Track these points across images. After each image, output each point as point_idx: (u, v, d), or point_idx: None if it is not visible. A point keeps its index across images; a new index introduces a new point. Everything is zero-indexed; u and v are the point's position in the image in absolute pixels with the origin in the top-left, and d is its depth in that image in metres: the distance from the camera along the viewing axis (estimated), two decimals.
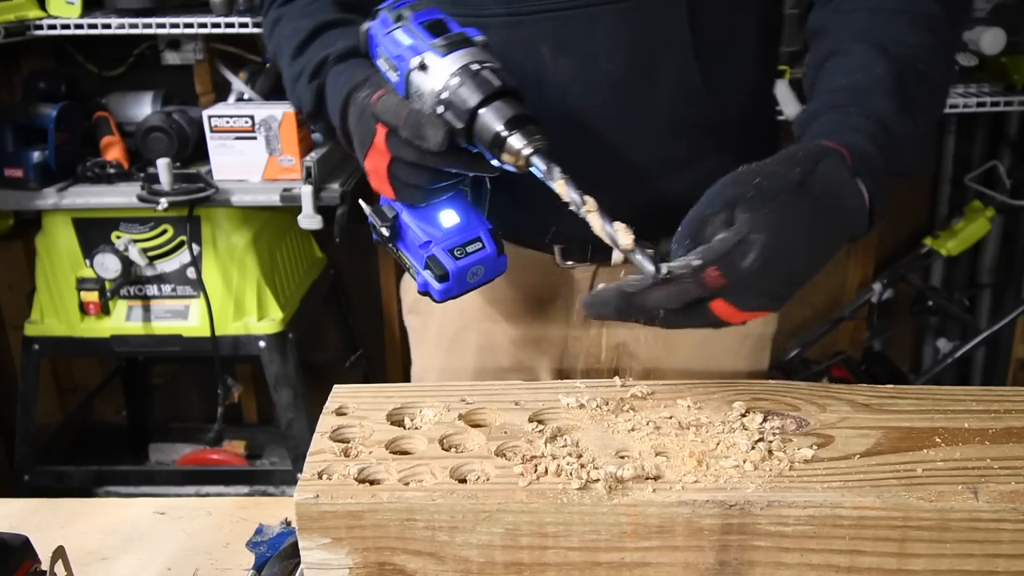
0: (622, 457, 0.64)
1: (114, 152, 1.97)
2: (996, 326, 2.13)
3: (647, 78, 0.79)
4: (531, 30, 0.78)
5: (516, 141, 0.65)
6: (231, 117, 1.85)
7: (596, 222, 0.63)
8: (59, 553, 0.70)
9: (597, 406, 0.70)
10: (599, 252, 0.89)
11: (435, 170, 0.71)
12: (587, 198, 0.63)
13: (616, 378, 0.75)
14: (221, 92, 2.23)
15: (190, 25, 1.93)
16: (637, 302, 0.62)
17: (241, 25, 1.92)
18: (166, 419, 2.54)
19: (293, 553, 0.73)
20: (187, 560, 0.82)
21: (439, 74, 0.67)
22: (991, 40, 1.90)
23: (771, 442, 0.65)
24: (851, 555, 0.60)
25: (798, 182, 0.62)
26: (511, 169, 0.67)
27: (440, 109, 0.67)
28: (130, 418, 2.46)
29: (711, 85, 0.79)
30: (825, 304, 2.55)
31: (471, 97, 0.66)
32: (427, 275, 0.75)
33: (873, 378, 2.36)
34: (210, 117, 1.85)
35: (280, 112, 1.84)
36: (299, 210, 1.83)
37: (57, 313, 1.98)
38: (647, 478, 0.61)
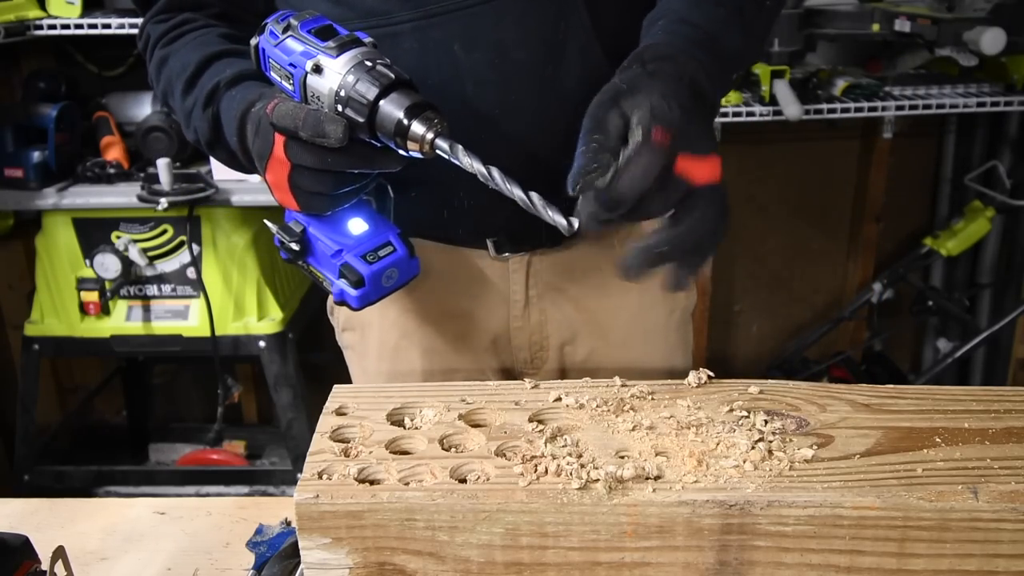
0: (622, 457, 0.64)
1: (114, 152, 1.97)
2: (996, 326, 2.13)
3: (556, 61, 0.83)
4: (442, 30, 0.80)
5: (418, 127, 0.67)
6: None
7: (504, 187, 0.67)
8: (59, 553, 0.70)
9: (597, 406, 0.70)
10: (531, 240, 0.91)
11: (337, 174, 0.72)
12: (492, 168, 0.67)
13: (616, 378, 0.76)
14: None
15: None
16: (619, 195, 0.64)
17: None
18: (166, 419, 2.54)
19: (293, 553, 0.73)
20: (187, 560, 0.82)
21: (334, 73, 0.69)
22: (991, 40, 1.90)
23: (771, 442, 0.65)
24: (851, 555, 0.60)
25: (651, 72, 0.69)
26: (417, 156, 0.69)
27: (339, 107, 0.69)
28: (130, 418, 2.46)
29: (612, 60, 0.80)
30: (825, 304, 2.55)
31: (369, 90, 0.68)
32: (342, 284, 0.76)
33: (873, 378, 2.36)
34: None
35: None
36: None
37: (57, 313, 1.98)
38: (647, 478, 0.61)
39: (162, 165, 1.80)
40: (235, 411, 2.51)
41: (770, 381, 0.75)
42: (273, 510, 0.87)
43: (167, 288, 1.97)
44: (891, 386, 0.74)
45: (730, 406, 0.70)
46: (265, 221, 0.83)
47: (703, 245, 0.68)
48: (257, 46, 0.75)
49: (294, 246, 0.78)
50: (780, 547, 0.60)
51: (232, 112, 0.78)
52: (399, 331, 0.98)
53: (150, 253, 1.94)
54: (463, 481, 0.62)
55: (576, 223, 0.65)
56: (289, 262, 0.80)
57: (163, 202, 1.78)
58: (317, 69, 0.70)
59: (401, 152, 0.70)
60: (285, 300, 2.06)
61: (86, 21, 1.94)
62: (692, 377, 0.75)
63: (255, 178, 1.88)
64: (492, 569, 0.61)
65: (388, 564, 0.61)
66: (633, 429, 0.67)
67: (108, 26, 1.94)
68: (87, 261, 1.93)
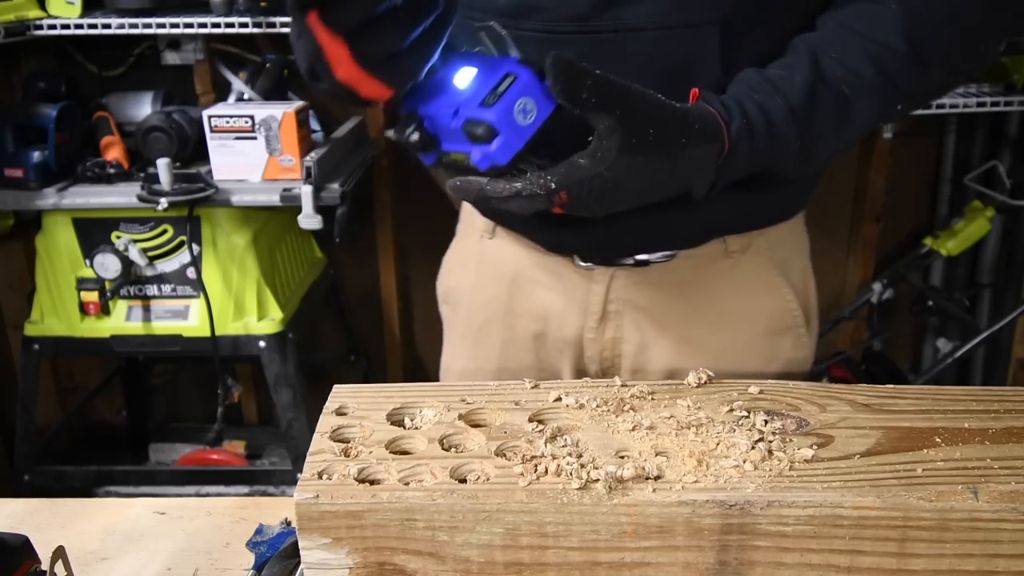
0: (622, 457, 0.64)
1: (114, 152, 1.97)
2: (996, 326, 2.13)
3: (679, 101, 0.78)
4: (567, 49, 0.75)
5: None
6: (231, 117, 1.85)
7: None
8: (59, 553, 0.70)
9: (597, 406, 0.70)
10: (618, 256, 0.89)
11: (385, 16, 0.61)
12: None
13: (616, 378, 0.75)
14: (221, 92, 2.23)
15: (190, 25, 1.93)
16: (494, 204, 0.68)
17: (241, 25, 1.92)
18: (166, 419, 2.54)
19: (293, 553, 0.73)
20: (187, 560, 0.82)
21: None
22: None
23: (771, 442, 0.65)
24: (851, 555, 0.60)
25: (658, 157, 0.68)
26: None
27: None
28: (130, 418, 2.46)
29: None
30: (825, 304, 2.54)
31: None
32: (478, 148, 0.65)
33: (873, 378, 2.36)
34: (210, 117, 1.85)
35: (280, 112, 1.84)
36: (299, 210, 1.83)
37: (57, 313, 1.98)
38: (647, 478, 0.61)
39: (162, 165, 1.80)
40: (235, 411, 2.52)
41: (770, 381, 0.75)
42: (273, 510, 0.87)
43: (167, 288, 1.97)
44: (891, 386, 0.74)
45: (730, 406, 0.70)
46: (386, 133, 0.72)
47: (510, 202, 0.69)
48: None
49: (414, 136, 0.67)
50: (780, 547, 0.60)
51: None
52: (483, 316, 0.98)
53: (150, 253, 1.94)
54: (463, 481, 0.62)
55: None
56: (430, 163, 0.70)
57: (163, 202, 1.78)
58: None
59: None
60: (285, 300, 2.06)
61: (86, 21, 1.94)
62: (692, 377, 0.75)
63: (255, 178, 1.88)
64: (492, 569, 0.61)
65: (388, 564, 0.61)
66: (633, 429, 0.67)
67: (108, 26, 1.94)
68: (87, 261, 1.93)
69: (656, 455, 0.64)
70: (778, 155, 0.74)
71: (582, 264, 0.91)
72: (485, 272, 0.99)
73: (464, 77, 0.66)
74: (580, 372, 0.97)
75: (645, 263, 0.88)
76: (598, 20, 0.76)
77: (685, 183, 0.71)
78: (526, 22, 0.78)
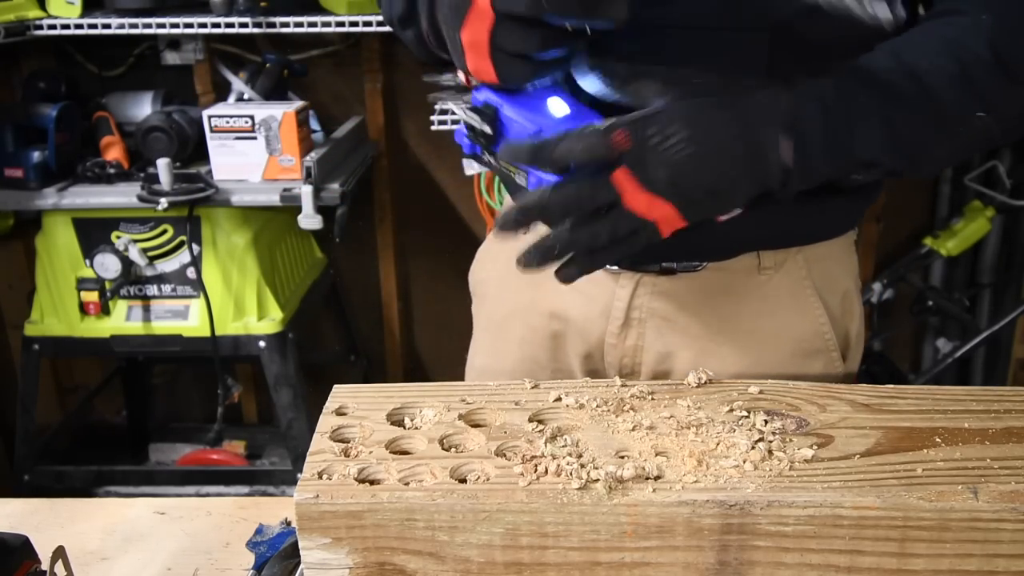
0: (622, 457, 0.64)
1: (114, 152, 1.97)
2: (996, 326, 2.13)
3: None
4: (605, 40, 0.73)
5: None
6: (231, 117, 1.85)
7: None
8: (59, 553, 0.70)
9: (597, 406, 0.70)
10: (645, 262, 0.86)
11: (549, 30, 0.63)
12: None
13: (616, 378, 0.75)
14: (221, 92, 2.23)
15: (190, 25, 1.93)
16: (547, 153, 0.63)
17: (241, 25, 1.92)
18: (166, 419, 2.54)
19: (293, 553, 0.73)
20: (187, 560, 0.82)
21: None
22: None
23: (771, 442, 0.65)
24: (851, 555, 0.60)
25: (720, 101, 0.65)
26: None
27: None
28: (130, 418, 2.46)
29: None
30: None
31: None
32: (536, 173, 0.67)
33: (873, 378, 2.35)
34: (210, 117, 1.85)
35: (280, 112, 1.84)
36: (299, 210, 1.83)
37: (57, 313, 1.98)
38: (647, 478, 0.61)
39: (162, 165, 1.80)
40: (235, 411, 2.52)
41: (770, 381, 0.75)
42: (273, 510, 0.87)
43: (167, 288, 1.97)
44: (891, 386, 0.74)
45: (730, 406, 0.70)
46: (452, 106, 0.76)
47: (598, 256, 0.67)
48: None
49: (487, 129, 0.69)
50: (780, 547, 0.60)
51: None
52: (505, 312, 0.97)
53: (150, 253, 1.94)
54: (463, 481, 0.62)
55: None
56: (473, 157, 0.72)
57: (163, 202, 1.78)
58: None
59: None
60: (285, 300, 2.06)
61: (86, 21, 1.94)
62: (692, 377, 0.75)
63: (255, 178, 1.88)
64: (492, 569, 0.61)
65: (388, 564, 0.61)
66: (633, 429, 0.67)
67: (108, 26, 1.94)
68: (87, 261, 1.93)
69: (656, 455, 0.64)
70: (860, 130, 0.67)
71: (609, 267, 0.87)
72: (512, 268, 0.96)
73: (557, 107, 0.69)
74: (598, 377, 0.94)
75: (671, 271, 0.85)
76: (641, 14, 0.72)
77: (757, 149, 0.65)
78: None
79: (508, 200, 0.67)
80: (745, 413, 0.69)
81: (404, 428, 0.69)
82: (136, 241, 1.92)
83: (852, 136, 0.67)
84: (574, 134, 0.63)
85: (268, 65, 2.12)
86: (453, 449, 0.66)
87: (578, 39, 0.64)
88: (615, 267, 0.87)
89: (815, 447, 0.65)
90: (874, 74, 0.68)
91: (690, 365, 0.87)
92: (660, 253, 0.85)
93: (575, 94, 0.71)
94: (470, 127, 0.71)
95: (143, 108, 2.10)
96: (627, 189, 0.63)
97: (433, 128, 1.95)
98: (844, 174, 0.70)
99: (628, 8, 0.62)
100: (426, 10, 0.73)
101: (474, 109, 0.70)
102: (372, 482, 0.62)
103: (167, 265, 1.96)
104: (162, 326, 1.97)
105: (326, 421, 0.69)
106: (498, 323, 0.99)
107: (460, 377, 1.07)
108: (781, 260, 0.86)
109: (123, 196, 1.86)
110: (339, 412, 0.71)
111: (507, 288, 0.97)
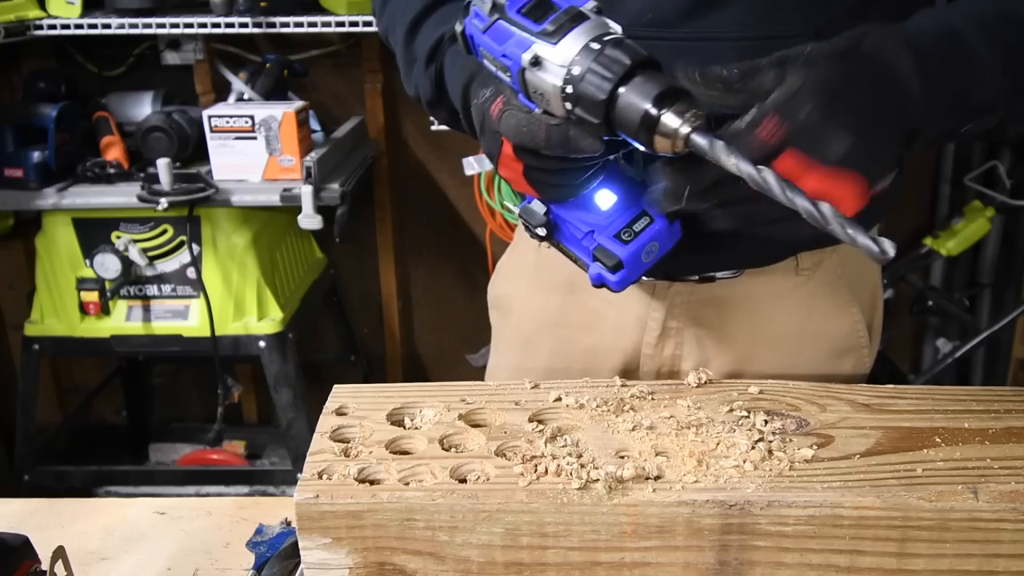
0: (622, 457, 0.64)
1: (114, 152, 1.97)
2: (996, 326, 2.13)
3: None
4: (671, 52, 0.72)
5: (671, 120, 0.55)
6: (231, 117, 1.85)
7: (781, 194, 0.53)
8: (59, 553, 0.70)
9: (597, 406, 0.70)
10: (680, 270, 0.85)
11: (580, 167, 0.65)
12: (764, 169, 0.54)
13: (616, 378, 0.75)
14: (221, 92, 2.23)
15: (190, 25, 1.93)
16: (700, 174, 0.58)
17: (241, 25, 1.92)
18: (166, 419, 2.54)
19: (293, 553, 0.73)
20: (187, 560, 0.82)
21: (556, 67, 0.57)
22: None
23: (771, 442, 0.65)
24: (851, 555, 0.60)
25: (843, 48, 0.58)
26: (667, 155, 0.57)
27: (568, 106, 0.58)
28: (130, 418, 2.46)
29: None
30: None
31: (602, 85, 0.56)
32: (598, 267, 0.68)
33: (873, 378, 2.35)
34: (210, 117, 1.85)
35: (280, 112, 1.84)
36: (299, 210, 1.83)
37: (57, 313, 1.98)
38: (647, 478, 0.61)
39: (162, 165, 1.80)
40: (235, 411, 2.52)
41: (770, 381, 0.75)
42: (273, 510, 0.87)
43: (167, 288, 1.97)
44: (891, 386, 0.74)
45: (730, 406, 0.70)
46: (507, 204, 0.78)
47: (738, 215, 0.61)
48: (463, 32, 0.65)
49: (540, 232, 0.71)
50: (780, 547, 0.60)
51: (455, 78, 0.71)
52: (534, 326, 0.94)
53: (150, 253, 1.94)
54: (463, 481, 0.62)
55: (890, 249, 0.51)
56: (535, 239, 0.74)
57: (163, 202, 1.78)
58: (536, 62, 0.58)
59: (647, 150, 0.58)
60: (285, 300, 2.06)
61: (86, 21, 1.94)
62: (692, 377, 0.75)
63: (255, 178, 1.88)
64: (492, 569, 0.61)
65: (388, 564, 0.61)
66: (633, 429, 0.67)
67: (108, 26, 1.94)
68: (87, 261, 1.93)
69: (656, 455, 0.64)
70: (975, 74, 0.62)
71: (645, 277, 0.84)
72: (539, 280, 0.94)
73: (605, 199, 0.69)
74: None
75: (711, 278, 0.84)
76: (682, 27, 0.72)
77: (888, 86, 0.59)
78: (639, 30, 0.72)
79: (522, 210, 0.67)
80: (745, 413, 0.69)
81: (404, 428, 0.69)
82: (136, 241, 1.92)
83: (969, 78, 0.63)
84: (720, 154, 0.55)
85: (268, 65, 2.12)
86: (453, 449, 0.66)
87: (608, 152, 0.63)
88: (651, 277, 0.84)
89: (815, 447, 0.65)
90: (979, 17, 0.63)
91: (728, 371, 0.87)
92: (705, 264, 0.83)
93: (620, 174, 0.70)
94: (526, 226, 0.72)
95: (143, 108, 2.10)
96: (795, 168, 0.56)
97: (433, 128, 1.95)
98: (961, 122, 0.65)
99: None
100: (463, 112, 0.72)
101: (527, 211, 0.71)
102: (372, 482, 0.62)
103: (167, 265, 1.96)
104: (162, 326, 1.97)
105: (326, 421, 0.69)
106: (525, 338, 0.96)
107: (460, 377, 1.06)
108: (818, 260, 0.85)
109: (123, 196, 1.86)
110: (339, 412, 0.71)
111: (534, 302, 0.94)
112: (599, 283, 0.70)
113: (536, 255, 0.94)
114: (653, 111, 0.55)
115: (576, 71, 0.57)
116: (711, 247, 0.77)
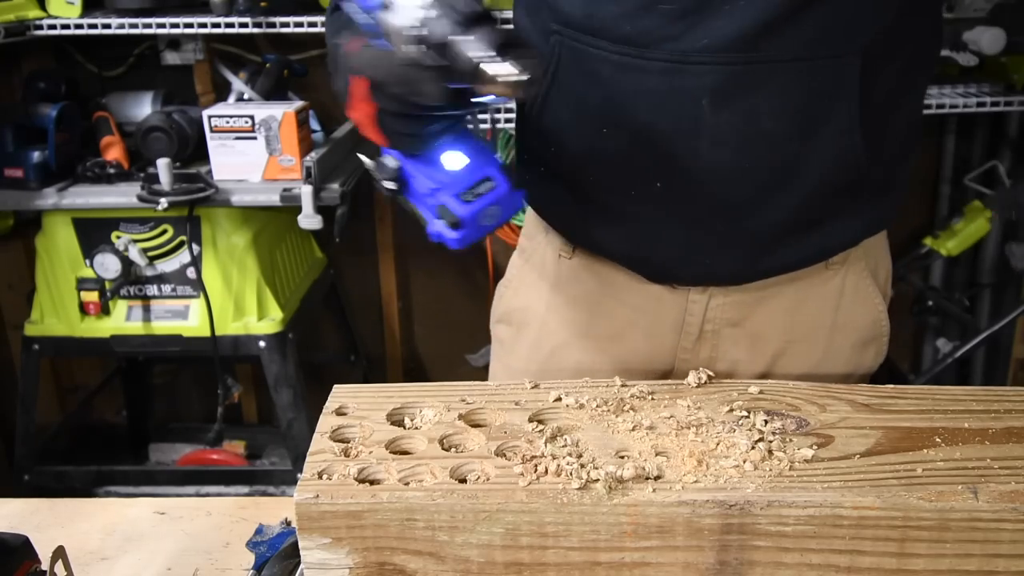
0: (622, 457, 0.64)
1: (114, 152, 1.97)
2: (996, 326, 2.13)
3: (806, 140, 0.76)
4: (694, 80, 0.73)
5: (503, 68, 0.59)
6: (231, 117, 1.85)
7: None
8: (59, 553, 0.70)
9: (597, 406, 0.70)
10: (715, 278, 0.86)
11: (428, 116, 0.68)
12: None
13: (616, 378, 0.76)
14: (221, 92, 2.23)
15: (190, 25, 1.93)
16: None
17: (241, 25, 1.92)
18: (166, 419, 2.54)
19: (293, 553, 0.73)
20: (187, 560, 0.82)
21: (406, 8, 0.62)
22: (991, 40, 1.90)
23: (771, 442, 0.65)
24: (851, 555, 0.60)
25: None
26: (503, 101, 0.63)
27: (414, 48, 0.62)
28: (130, 418, 2.46)
29: (870, 152, 0.76)
30: None
31: (444, 27, 0.60)
32: (439, 225, 0.71)
33: (873, 378, 2.35)
34: (210, 117, 1.85)
35: (280, 112, 1.84)
36: (299, 210, 1.83)
37: (57, 313, 1.98)
38: (647, 478, 0.61)
39: (162, 165, 1.80)
40: (235, 411, 2.52)
41: (770, 381, 0.75)
42: (273, 510, 0.87)
43: (167, 288, 1.97)
44: (891, 386, 0.74)
45: (730, 406, 0.70)
46: (359, 156, 0.78)
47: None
48: None
49: (390, 185, 0.74)
50: (780, 547, 0.60)
51: (329, 37, 0.74)
52: (558, 340, 0.92)
53: (150, 253, 1.94)
54: (463, 481, 0.62)
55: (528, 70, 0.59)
56: (388, 198, 0.77)
57: (163, 202, 1.78)
58: (387, 5, 0.63)
59: (483, 99, 0.63)
60: (285, 300, 2.06)
61: (86, 21, 1.94)
62: (692, 377, 0.75)
63: (255, 178, 1.88)
64: (492, 569, 0.61)
65: (388, 564, 0.61)
66: (633, 429, 0.67)
67: (108, 26, 1.94)
68: (87, 261, 1.93)
69: (656, 455, 0.64)
70: None
71: (678, 287, 0.86)
72: (562, 294, 0.93)
73: (453, 160, 0.72)
74: None
75: (740, 283, 0.85)
76: (734, 52, 0.72)
77: None
78: (650, 52, 0.74)
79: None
80: (745, 413, 0.69)
81: (404, 428, 0.69)
82: (136, 241, 1.92)
83: None
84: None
85: (268, 65, 2.12)
86: (453, 449, 0.66)
87: (461, 110, 0.68)
88: (686, 286, 0.86)
89: (815, 447, 0.65)
90: None
91: (760, 369, 0.88)
92: (744, 274, 0.84)
93: (471, 138, 0.73)
94: (376, 179, 0.75)
95: (143, 108, 2.10)
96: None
97: None
98: None
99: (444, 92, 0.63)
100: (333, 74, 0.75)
101: (378, 164, 0.75)
102: (372, 482, 0.62)
103: (167, 265, 1.95)
104: (162, 326, 1.97)
105: (326, 421, 0.69)
106: (547, 354, 0.94)
107: (460, 377, 1.06)
108: (846, 255, 0.87)
109: (123, 196, 1.86)
110: (339, 412, 0.71)
111: (557, 315, 0.93)
112: (438, 240, 0.72)
113: (556, 267, 0.93)
114: (481, 62, 0.59)
115: (422, 14, 0.61)
116: (761, 255, 0.80)
